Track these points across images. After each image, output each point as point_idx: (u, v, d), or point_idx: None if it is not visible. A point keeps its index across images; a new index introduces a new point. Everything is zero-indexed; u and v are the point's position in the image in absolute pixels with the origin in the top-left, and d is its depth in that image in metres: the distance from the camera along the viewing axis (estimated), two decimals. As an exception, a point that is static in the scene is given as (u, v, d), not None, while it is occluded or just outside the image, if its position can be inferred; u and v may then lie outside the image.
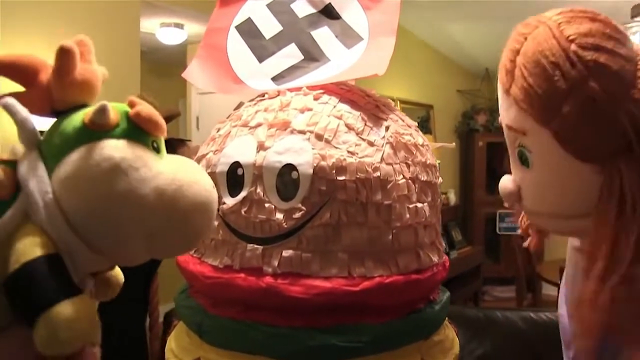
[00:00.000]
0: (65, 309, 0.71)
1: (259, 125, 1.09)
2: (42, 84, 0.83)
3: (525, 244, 1.08)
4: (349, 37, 1.24)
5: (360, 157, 1.02)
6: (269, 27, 1.28)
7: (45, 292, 0.72)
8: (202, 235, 0.89)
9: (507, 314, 2.23)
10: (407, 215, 1.04)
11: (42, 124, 0.84)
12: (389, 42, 1.18)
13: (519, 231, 1.10)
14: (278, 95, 1.16)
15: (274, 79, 1.22)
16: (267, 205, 1.02)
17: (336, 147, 1.02)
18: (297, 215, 1.00)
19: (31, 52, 0.85)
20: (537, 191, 0.90)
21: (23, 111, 0.80)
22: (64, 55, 0.79)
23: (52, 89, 0.83)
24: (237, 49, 1.29)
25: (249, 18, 1.31)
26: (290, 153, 1.02)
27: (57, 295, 0.72)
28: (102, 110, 0.79)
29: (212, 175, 1.07)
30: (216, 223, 1.07)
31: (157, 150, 0.85)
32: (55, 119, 0.85)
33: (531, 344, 2.01)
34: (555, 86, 0.76)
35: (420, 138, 1.16)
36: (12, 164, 0.82)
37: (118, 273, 0.95)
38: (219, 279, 1.04)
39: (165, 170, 0.82)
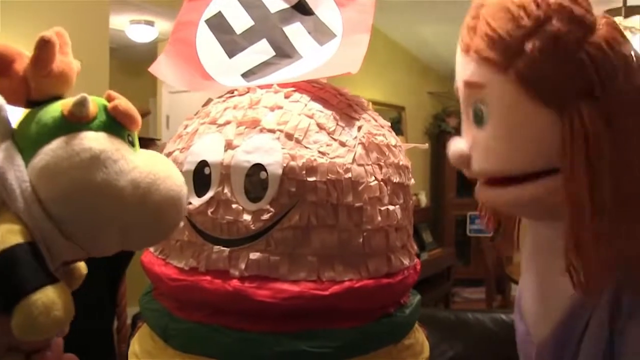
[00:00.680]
0: (44, 295, 0.73)
1: (227, 123, 1.05)
2: (17, 73, 0.83)
3: (483, 225, 1.09)
4: (322, 33, 1.21)
5: (331, 158, 0.99)
6: (240, 21, 1.25)
7: (25, 278, 0.74)
8: (174, 228, 0.91)
9: (478, 316, 2.27)
10: (379, 218, 1.02)
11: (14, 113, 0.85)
12: (364, 39, 1.15)
13: (489, 231, 1.11)
14: (248, 92, 1.12)
15: (244, 75, 1.19)
16: (234, 206, 0.99)
17: (307, 147, 1.00)
18: (266, 216, 0.97)
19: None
20: (490, 149, 0.89)
21: None
22: (44, 46, 0.80)
23: (29, 79, 0.83)
24: (207, 44, 1.26)
25: (220, 12, 1.27)
26: (260, 152, 0.99)
27: (37, 281, 0.74)
28: (82, 103, 0.80)
29: None
30: (182, 224, 1.04)
31: (132, 144, 0.86)
32: (28, 109, 0.86)
33: (502, 346, 1.98)
34: (520, 25, 0.79)
35: (393, 139, 1.14)
36: None
37: (82, 265, 0.95)
38: (184, 282, 1.01)
39: (141, 163, 0.84)
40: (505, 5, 0.80)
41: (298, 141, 1.00)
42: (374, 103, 4.72)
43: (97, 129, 0.81)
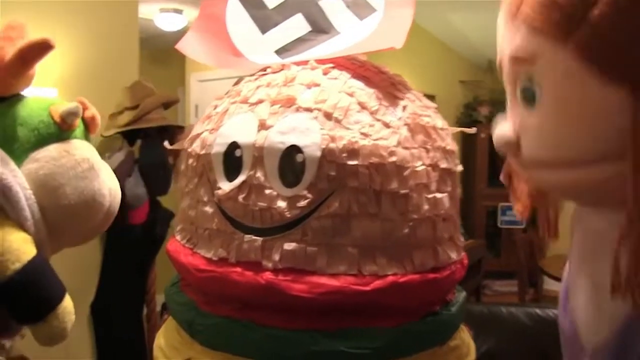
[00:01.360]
0: (67, 301, 0.79)
1: (260, 101, 0.98)
2: None
3: (517, 213, 0.98)
4: (361, 7, 1.14)
5: (374, 140, 0.91)
6: None
7: (53, 288, 0.79)
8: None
9: (512, 310, 2.22)
10: (426, 207, 0.94)
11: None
12: (407, 14, 1.07)
13: (521, 223, 1.02)
14: (282, 69, 1.05)
15: (277, 52, 1.13)
16: (267, 191, 0.92)
17: (347, 128, 0.92)
18: (302, 203, 0.90)
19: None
20: (544, 134, 0.78)
21: None
22: (44, 50, 0.82)
23: (6, 76, 0.85)
24: (238, 19, 1.20)
25: None
26: (296, 133, 0.91)
27: (62, 289, 0.79)
28: (76, 113, 0.85)
29: (207, 156, 0.98)
30: (211, 210, 0.98)
31: None
32: None
33: (537, 340, 1.98)
34: None
35: (439, 121, 1.06)
36: None
37: None
38: (213, 273, 0.95)
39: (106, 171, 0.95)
40: None
41: (338, 121, 0.92)
42: (405, 90, 4.70)
43: (81, 137, 0.88)
